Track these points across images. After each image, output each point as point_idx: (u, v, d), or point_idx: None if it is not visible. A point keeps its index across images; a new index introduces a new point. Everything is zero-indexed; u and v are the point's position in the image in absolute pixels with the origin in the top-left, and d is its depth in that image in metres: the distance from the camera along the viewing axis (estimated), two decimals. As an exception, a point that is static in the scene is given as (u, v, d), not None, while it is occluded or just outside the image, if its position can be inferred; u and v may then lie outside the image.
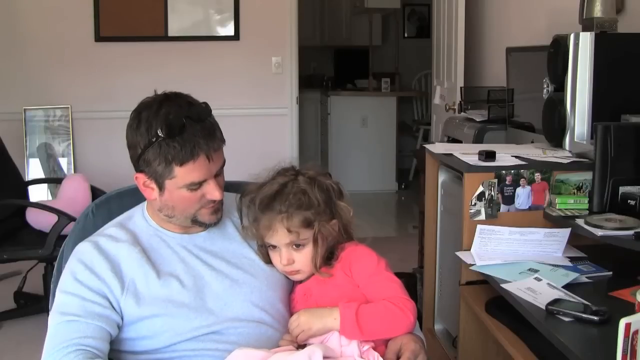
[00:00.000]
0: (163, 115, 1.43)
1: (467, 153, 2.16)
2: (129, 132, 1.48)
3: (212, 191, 1.48)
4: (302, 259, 1.50)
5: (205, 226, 1.54)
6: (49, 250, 3.27)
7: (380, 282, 1.49)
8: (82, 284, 1.44)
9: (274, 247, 1.51)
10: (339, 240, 1.54)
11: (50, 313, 1.46)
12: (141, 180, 1.50)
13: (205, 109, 1.48)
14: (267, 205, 1.48)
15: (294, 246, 1.49)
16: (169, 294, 1.45)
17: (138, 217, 1.58)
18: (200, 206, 1.50)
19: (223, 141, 1.50)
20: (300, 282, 1.56)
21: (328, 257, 1.52)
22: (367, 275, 1.49)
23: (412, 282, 3.12)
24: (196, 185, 1.46)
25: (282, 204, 1.47)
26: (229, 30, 5.05)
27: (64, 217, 3.27)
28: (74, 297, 1.43)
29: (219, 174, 1.51)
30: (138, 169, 1.49)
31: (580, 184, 2.00)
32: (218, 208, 1.53)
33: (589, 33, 2.09)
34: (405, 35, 8.38)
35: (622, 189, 1.85)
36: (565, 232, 1.87)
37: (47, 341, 1.41)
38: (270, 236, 1.49)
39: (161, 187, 1.47)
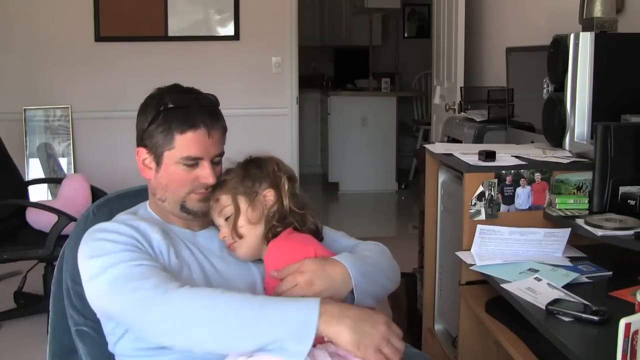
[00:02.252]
0: (175, 92, 1.53)
1: (467, 153, 2.16)
2: (140, 110, 1.55)
3: (206, 175, 1.50)
4: (230, 229, 1.50)
5: (193, 215, 1.54)
6: (49, 250, 3.27)
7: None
8: (124, 244, 1.42)
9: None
10: (285, 218, 1.51)
11: (96, 282, 1.39)
12: (141, 156, 1.54)
13: (214, 99, 1.57)
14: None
15: (225, 219, 1.50)
16: (182, 280, 1.44)
17: (142, 212, 1.60)
18: (191, 189, 1.52)
19: (225, 129, 1.56)
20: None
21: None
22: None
23: (412, 282, 3.12)
24: (192, 161, 1.49)
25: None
26: (229, 30, 5.06)
27: (64, 217, 3.27)
28: (123, 253, 1.39)
29: (216, 163, 1.54)
30: (142, 144, 1.53)
31: (580, 184, 2.00)
32: (208, 197, 1.53)
33: (589, 33, 2.09)
34: (405, 35, 8.39)
35: (622, 189, 1.85)
36: (565, 232, 1.87)
37: (120, 284, 1.35)
38: (211, 217, 1.54)
39: (159, 162, 1.51)
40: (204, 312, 1.28)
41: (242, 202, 1.50)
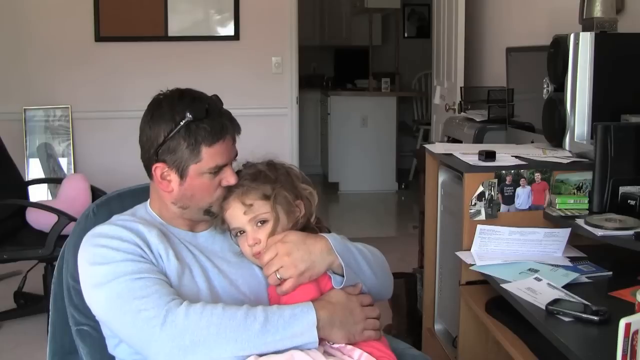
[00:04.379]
0: (187, 101, 1.46)
1: (467, 153, 2.16)
2: (146, 124, 1.48)
3: (229, 177, 1.49)
4: (266, 237, 1.48)
5: (214, 217, 1.53)
6: (49, 250, 3.27)
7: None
8: (126, 252, 1.42)
9: (242, 232, 1.50)
10: (308, 227, 1.53)
11: (95, 293, 1.42)
12: (159, 172, 1.48)
13: (218, 99, 1.53)
14: (228, 190, 1.50)
15: (258, 224, 1.48)
16: (184, 283, 1.45)
17: (142, 212, 1.58)
18: (219, 194, 1.50)
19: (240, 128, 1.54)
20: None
21: None
22: None
23: (412, 282, 3.12)
24: (219, 169, 1.47)
25: (238, 185, 1.49)
26: (229, 30, 5.05)
27: (64, 217, 3.27)
28: (125, 263, 1.40)
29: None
30: (159, 159, 1.47)
31: (580, 184, 2.00)
32: (225, 196, 1.52)
33: (589, 33, 2.09)
34: (405, 35, 8.39)
35: (622, 189, 1.85)
36: (565, 232, 1.87)
37: (122, 305, 1.36)
38: (231, 218, 1.50)
39: (183, 175, 1.47)
40: (211, 330, 1.30)
41: (281, 213, 1.49)
